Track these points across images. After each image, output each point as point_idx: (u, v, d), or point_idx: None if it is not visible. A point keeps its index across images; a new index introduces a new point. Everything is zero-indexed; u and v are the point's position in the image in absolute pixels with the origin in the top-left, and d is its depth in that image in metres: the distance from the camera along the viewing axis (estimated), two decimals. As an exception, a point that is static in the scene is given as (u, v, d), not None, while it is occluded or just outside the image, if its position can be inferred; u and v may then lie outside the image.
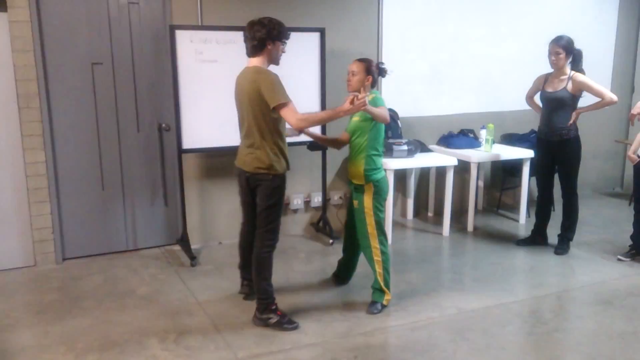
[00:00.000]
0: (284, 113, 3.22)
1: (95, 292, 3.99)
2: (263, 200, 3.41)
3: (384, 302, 3.70)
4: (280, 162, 3.39)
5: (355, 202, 3.67)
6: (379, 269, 3.66)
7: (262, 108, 3.26)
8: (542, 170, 4.84)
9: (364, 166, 3.58)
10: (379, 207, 3.63)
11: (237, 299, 3.86)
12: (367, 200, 3.61)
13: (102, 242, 4.68)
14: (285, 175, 3.46)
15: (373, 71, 3.62)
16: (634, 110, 4.44)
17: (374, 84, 3.67)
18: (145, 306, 3.78)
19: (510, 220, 5.77)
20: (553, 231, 4.92)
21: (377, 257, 3.65)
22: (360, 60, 3.64)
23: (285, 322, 3.44)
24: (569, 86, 4.48)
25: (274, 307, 3.47)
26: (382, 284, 3.67)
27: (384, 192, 3.66)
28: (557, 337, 3.42)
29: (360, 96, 3.22)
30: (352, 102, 3.19)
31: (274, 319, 3.44)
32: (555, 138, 4.58)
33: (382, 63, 3.74)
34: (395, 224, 5.38)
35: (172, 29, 4.30)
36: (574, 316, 3.72)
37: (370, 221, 3.62)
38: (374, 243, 3.65)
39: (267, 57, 3.36)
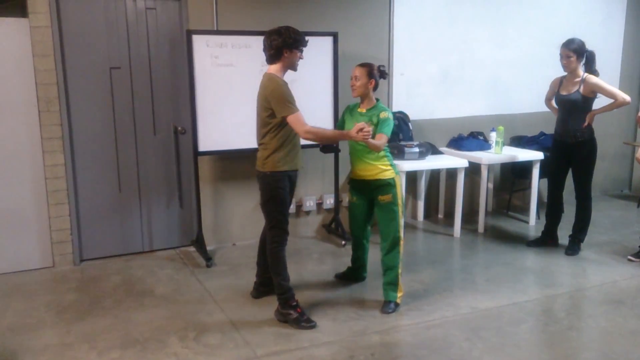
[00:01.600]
0: (292, 122, 3.34)
1: (114, 292, 4.06)
2: (261, 197, 3.56)
3: (398, 300, 3.77)
4: (280, 161, 3.45)
5: (388, 197, 3.73)
6: (400, 261, 3.76)
7: (268, 112, 3.39)
8: (555, 171, 4.88)
9: (389, 162, 3.74)
10: (402, 198, 3.80)
11: (254, 299, 3.93)
12: (399, 192, 3.75)
13: (118, 243, 4.76)
14: (286, 174, 3.50)
15: (375, 75, 3.74)
16: None
17: (377, 87, 3.78)
18: (163, 305, 3.85)
19: (520, 222, 5.81)
20: (563, 233, 4.97)
21: (402, 249, 3.77)
22: (362, 65, 3.76)
23: (303, 320, 3.51)
24: (582, 89, 4.52)
25: (294, 303, 3.55)
26: (400, 278, 3.76)
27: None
28: (570, 335, 3.47)
29: (366, 129, 3.37)
30: (359, 131, 3.34)
31: (293, 315, 3.52)
32: (571, 140, 4.63)
33: (383, 66, 3.84)
34: (406, 225, 5.40)
35: (189, 33, 4.38)
36: (586, 315, 3.77)
37: (401, 212, 3.74)
38: (401, 234, 3.75)
39: (285, 65, 3.48)
